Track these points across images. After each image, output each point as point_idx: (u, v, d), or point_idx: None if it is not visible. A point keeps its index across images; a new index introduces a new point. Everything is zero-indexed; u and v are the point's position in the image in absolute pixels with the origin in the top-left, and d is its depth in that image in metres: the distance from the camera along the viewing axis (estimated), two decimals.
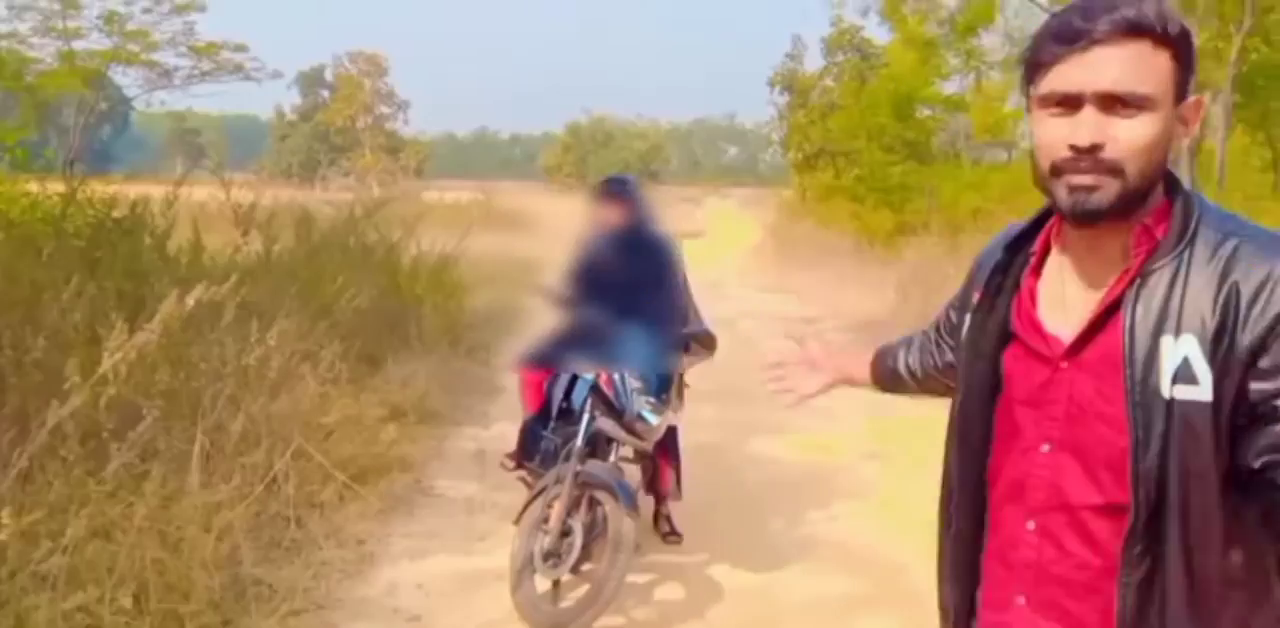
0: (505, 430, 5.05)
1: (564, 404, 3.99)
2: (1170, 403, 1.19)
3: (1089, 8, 1.21)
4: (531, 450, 4.05)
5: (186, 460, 3.87)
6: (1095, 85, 1.19)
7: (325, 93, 57.63)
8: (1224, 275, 1.19)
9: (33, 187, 6.19)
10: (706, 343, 4.26)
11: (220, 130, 69.60)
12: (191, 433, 4.07)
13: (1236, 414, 1.18)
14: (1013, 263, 1.41)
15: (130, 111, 39.58)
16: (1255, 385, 1.17)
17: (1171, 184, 1.30)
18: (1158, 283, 1.22)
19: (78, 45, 20.51)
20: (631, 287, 3.97)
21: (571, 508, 3.60)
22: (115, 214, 6.03)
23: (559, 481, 3.64)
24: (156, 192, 6.95)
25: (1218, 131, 18.94)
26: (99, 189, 6.38)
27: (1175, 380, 1.19)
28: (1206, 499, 1.19)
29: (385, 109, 54.04)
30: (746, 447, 6.11)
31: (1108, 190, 1.21)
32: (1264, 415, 1.18)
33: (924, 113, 23.80)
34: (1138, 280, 1.23)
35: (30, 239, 5.33)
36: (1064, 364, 1.30)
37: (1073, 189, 1.22)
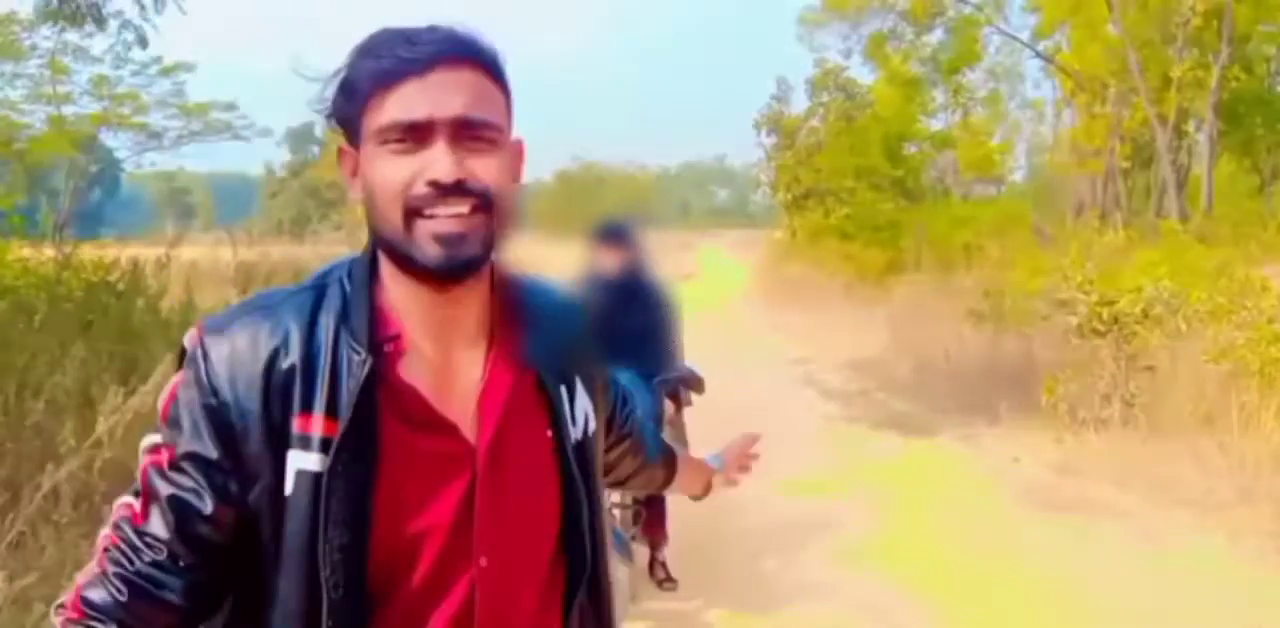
0: None
1: None
2: (583, 445, 1.16)
3: (411, 32, 1.04)
4: None
5: None
6: (447, 110, 1.01)
7: (315, 149, 58.13)
8: (539, 306, 1.17)
9: (26, 252, 6.22)
10: (695, 385, 4.26)
11: (209, 189, 70.05)
12: None
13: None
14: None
15: (120, 173, 39.94)
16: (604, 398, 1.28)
17: None
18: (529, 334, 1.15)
19: (67, 110, 20.74)
20: (630, 334, 3.95)
21: None
22: (108, 278, 6.06)
23: None
24: (148, 253, 6.99)
25: (1204, 159, 19.15)
26: (92, 252, 6.41)
27: (574, 422, 1.15)
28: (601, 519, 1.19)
29: None
30: (736, 490, 6.07)
31: (479, 233, 1.03)
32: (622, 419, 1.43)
33: (911, 150, 24.02)
34: (522, 335, 1.14)
35: (24, 305, 5.35)
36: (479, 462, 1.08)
37: (445, 240, 1.01)
